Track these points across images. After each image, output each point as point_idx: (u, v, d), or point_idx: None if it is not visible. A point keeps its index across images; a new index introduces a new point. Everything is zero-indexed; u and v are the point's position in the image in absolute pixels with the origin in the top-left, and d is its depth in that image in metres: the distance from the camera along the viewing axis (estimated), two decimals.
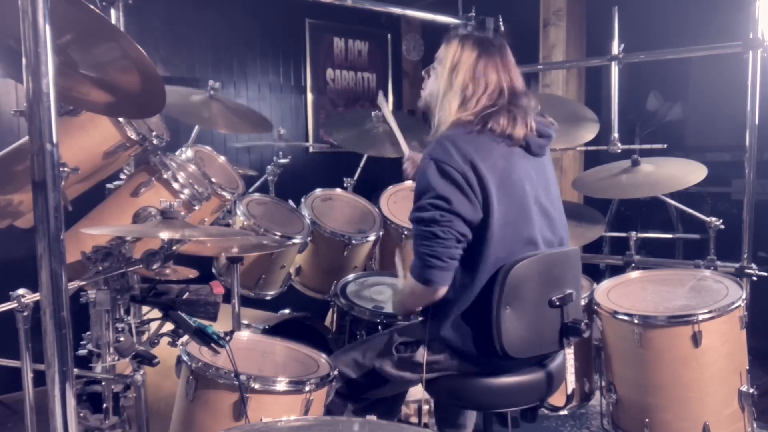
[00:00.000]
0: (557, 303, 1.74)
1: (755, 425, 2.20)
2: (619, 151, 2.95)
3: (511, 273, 1.66)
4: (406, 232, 2.71)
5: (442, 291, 1.74)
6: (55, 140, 1.00)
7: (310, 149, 4.48)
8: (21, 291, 1.54)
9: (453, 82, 1.79)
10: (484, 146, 1.72)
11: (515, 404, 1.87)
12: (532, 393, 1.82)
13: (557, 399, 2.07)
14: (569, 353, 1.79)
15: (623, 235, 2.92)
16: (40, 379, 1.22)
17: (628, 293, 2.32)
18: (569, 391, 1.80)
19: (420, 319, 1.90)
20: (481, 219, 1.69)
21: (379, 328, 2.32)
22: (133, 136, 1.95)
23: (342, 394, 1.88)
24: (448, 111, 1.79)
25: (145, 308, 1.76)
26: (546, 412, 2.50)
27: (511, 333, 1.68)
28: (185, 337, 1.65)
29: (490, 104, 1.76)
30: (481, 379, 1.78)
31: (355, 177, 3.17)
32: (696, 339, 2.05)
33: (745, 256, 2.56)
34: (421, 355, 1.78)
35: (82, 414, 1.70)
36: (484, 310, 1.68)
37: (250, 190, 2.86)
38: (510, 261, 1.69)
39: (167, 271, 1.79)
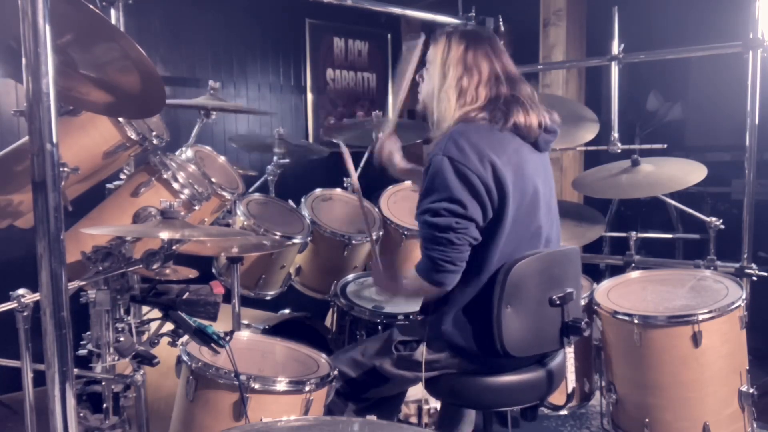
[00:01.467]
0: (557, 302, 1.74)
1: (755, 425, 2.20)
2: (619, 151, 2.95)
3: (512, 272, 1.66)
4: (406, 232, 2.71)
5: (450, 288, 1.74)
6: (55, 140, 1.00)
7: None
8: (21, 291, 1.54)
9: (447, 76, 1.78)
10: (498, 141, 1.71)
11: (515, 403, 1.87)
12: (533, 392, 1.82)
13: (557, 398, 2.07)
14: (569, 352, 1.78)
15: (623, 235, 2.93)
16: (40, 379, 1.22)
17: (628, 293, 2.32)
18: (569, 390, 1.80)
19: (420, 317, 1.90)
20: (494, 217, 1.69)
21: (379, 328, 2.32)
22: (133, 136, 1.95)
23: (343, 394, 1.88)
24: (446, 105, 1.78)
25: (145, 308, 1.76)
26: (546, 411, 2.50)
27: (511, 332, 1.68)
28: (185, 337, 1.66)
29: (493, 94, 1.75)
30: (481, 377, 1.78)
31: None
32: (696, 339, 2.05)
33: (745, 256, 2.56)
34: (421, 353, 1.78)
35: (82, 414, 1.70)
36: (485, 308, 1.68)
37: (250, 190, 2.85)
38: (515, 256, 1.69)
39: (167, 271, 1.79)
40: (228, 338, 1.59)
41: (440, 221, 1.66)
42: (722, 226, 2.63)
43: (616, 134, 2.96)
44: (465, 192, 1.65)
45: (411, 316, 2.29)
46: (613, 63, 2.93)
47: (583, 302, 2.23)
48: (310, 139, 4.46)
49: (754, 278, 2.53)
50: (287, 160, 3.05)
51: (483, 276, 1.70)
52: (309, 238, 2.59)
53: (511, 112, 1.72)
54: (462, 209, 1.65)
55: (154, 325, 1.69)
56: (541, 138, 1.78)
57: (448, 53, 1.79)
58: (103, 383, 1.72)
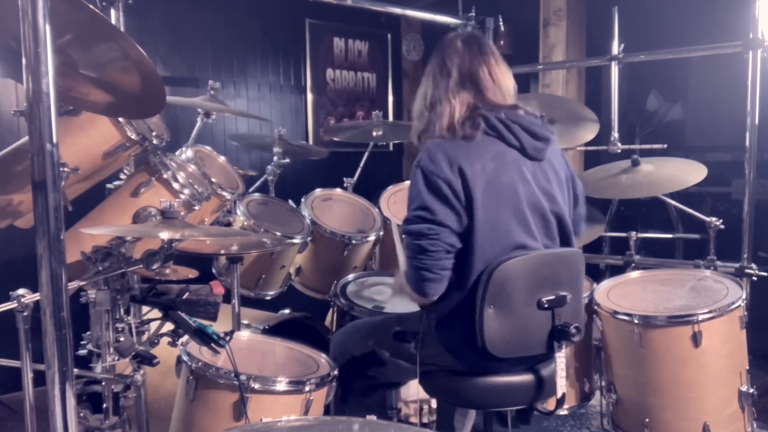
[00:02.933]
0: (546, 305, 1.71)
1: (755, 425, 2.20)
2: (619, 151, 2.95)
3: (496, 272, 1.65)
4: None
5: (437, 297, 1.75)
6: (55, 140, 1.00)
7: None
8: (21, 291, 1.54)
9: (418, 95, 1.86)
10: (475, 150, 1.71)
11: (505, 404, 1.87)
12: (522, 395, 1.81)
13: (550, 401, 2.06)
14: (560, 357, 1.76)
15: (623, 235, 2.92)
16: (40, 379, 1.22)
17: (628, 293, 2.32)
18: (559, 395, 1.78)
19: (418, 311, 1.92)
20: (469, 222, 1.69)
21: None
22: (133, 136, 1.95)
23: (344, 371, 1.90)
24: (419, 118, 1.85)
25: (145, 308, 1.76)
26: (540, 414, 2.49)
27: (493, 332, 1.67)
28: (185, 337, 1.66)
29: (467, 102, 1.76)
30: (471, 377, 1.77)
31: (355, 177, 3.17)
32: (696, 339, 2.05)
33: (745, 256, 2.56)
34: (416, 346, 1.80)
35: (82, 414, 1.70)
36: (470, 310, 1.68)
37: (250, 190, 2.86)
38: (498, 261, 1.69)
39: (167, 271, 1.79)
40: (228, 338, 1.59)
41: (413, 228, 1.70)
42: (722, 226, 2.63)
43: (616, 134, 2.96)
44: (434, 199, 1.67)
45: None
46: (613, 63, 2.93)
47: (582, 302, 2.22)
48: (310, 140, 4.46)
49: (754, 278, 2.53)
50: (287, 160, 3.06)
51: (469, 279, 1.70)
52: (309, 238, 2.59)
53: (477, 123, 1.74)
54: (430, 215, 1.67)
55: (154, 325, 1.69)
56: (528, 145, 1.74)
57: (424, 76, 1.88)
58: (103, 383, 1.72)
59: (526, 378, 1.79)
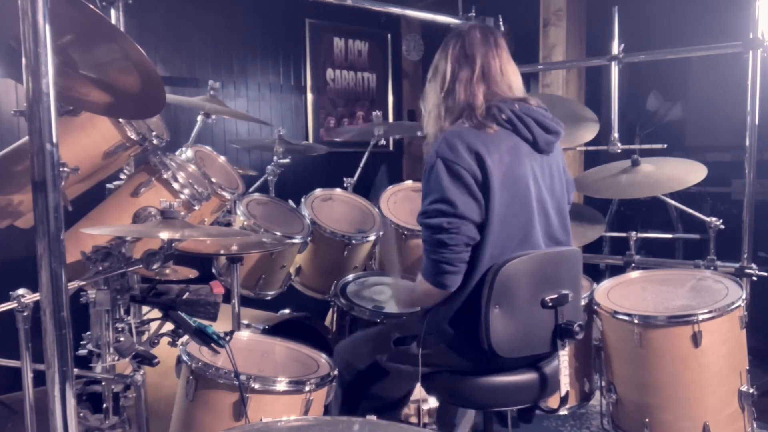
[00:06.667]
0: (550, 304, 1.72)
1: (755, 425, 2.20)
2: (619, 151, 2.95)
3: (501, 272, 1.65)
4: (406, 233, 2.71)
5: (455, 289, 1.74)
6: (55, 140, 1.00)
7: None
8: (21, 291, 1.54)
9: (435, 82, 1.86)
10: (491, 140, 1.71)
11: (509, 404, 1.86)
12: (526, 393, 1.81)
13: (552, 400, 2.07)
14: (563, 355, 1.77)
15: (623, 235, 2.92)
16: (40, 379, 1.22)
17: (628, 293, 2.32)
18: (563, 394, 1.79)
19: (417, 311, 1.91)
20: (484, 217, 1.69)
21: None
22: (133, 136, 1.95)
23: (349, 388, 1.89)
24: (430, 110, 1.85)
25: (145, 308, 1.76)
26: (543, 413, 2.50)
27: (499, 332, 1.67)
28: (185, 337, 1.66)
29: (484, 92, 1.77)
30: (475, 377, 1.77)
31: (355, 177, 3.17)
32: (696, 339, 2.05)
33: (745, 256, 2.56)
34: (417, 348, 1.79)
35: (82, 414, 1.70)
36: (475, 307, 1.68)
37: (250, 190, 2.86)
38: (503, 258, 1.69)
39: (167, 271, 1.79)
40: (228, 338, 1.59)
41: (432, 222, 1.68)
42: (722, 226, 2.63)
43: (616, 134, 2.96)
44: (457, 191, 1.66)
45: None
46: (613, 63, 2.92)
47: (583, 302, 2.22)
48: (311, 140, 4.46)
49: (754, 278, 2.52)
50: (287, 160, 3.06)
51: (475, 274, 1.70)
52: (309, 238, 2.59)
53: (496, 112, 1.74)
54: (452, 209, 1.66)
55: (154, 325, 1.69)
56: (540, 138, 1.76)
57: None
58: (103, 383, 1.72)
59: (529, 377, 1.80)
